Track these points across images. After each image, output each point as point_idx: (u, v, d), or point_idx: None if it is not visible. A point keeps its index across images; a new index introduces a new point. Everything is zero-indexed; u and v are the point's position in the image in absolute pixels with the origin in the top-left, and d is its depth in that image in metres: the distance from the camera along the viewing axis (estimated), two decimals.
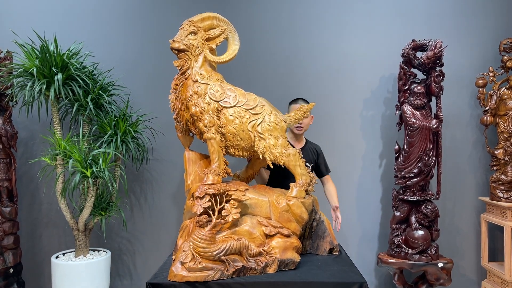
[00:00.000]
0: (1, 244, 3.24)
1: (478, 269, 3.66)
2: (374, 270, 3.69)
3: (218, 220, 2.25)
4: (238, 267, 2.19)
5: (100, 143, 3.15)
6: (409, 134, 3.21)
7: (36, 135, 3.57)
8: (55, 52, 3.09)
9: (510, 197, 3.37)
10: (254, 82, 3.60)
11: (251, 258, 2.25)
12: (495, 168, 3.48)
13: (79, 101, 3.14)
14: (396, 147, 3.34)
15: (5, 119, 3.32)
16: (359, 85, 3.65)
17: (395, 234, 3.29)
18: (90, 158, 2.98)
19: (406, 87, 3.29)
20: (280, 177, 2.89)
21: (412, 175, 3.20)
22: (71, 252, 3.35)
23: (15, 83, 3.09)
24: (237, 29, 2.66)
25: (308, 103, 2.93)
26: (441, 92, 3.22)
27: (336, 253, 2.60)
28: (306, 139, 3.16)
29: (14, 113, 3.43)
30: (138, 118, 3.38)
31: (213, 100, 2.46)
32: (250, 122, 2.48)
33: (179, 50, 2.50)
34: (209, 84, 2.49)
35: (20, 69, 3.09)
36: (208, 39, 2.58)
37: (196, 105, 2.46)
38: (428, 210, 3.19)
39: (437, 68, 3.20)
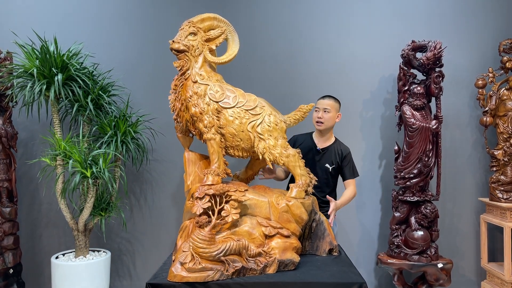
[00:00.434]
0: (1, 245, 3.24)
1: (477, 269, 3.66)
2: (374, 271, 3.70)
3: (218, 221, 2.25)
4: (238, 268, 2.19)
5: (100, 144, 3.15)
6: (409, 134, 3.21)
7: (36, 136, 3.57)
8: (55, 52, 3.09)
9: (509, 197, 3.38)
10: (253, 82, 3.60)
11: (250, 259, 2.26)
12: (494, 168, 3.48)
13: (79, 102, 3.14)
14: (396, 147, 3.35)
15: (5, 119, 3.32)
16: (359, 86, 3.65)
17: (395, 234, 3.29)
18: (90, 158, 2.98)
19: (406, 88, 3.30)
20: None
21: (411, 175, 3.20)
22: (71, 252, 3.35)
23: (15, 83, 3.09)
24: (237, 30, 2.66)
25: (336, 99, 2.97)
26: (441, 93, 3.22)
27: (336, 254, 2.60)
28: (336, 140, 3.05)
29: (14, 114, 3.43)
30: (138, 118, 3.38)
31: (213, 100, 2.47)
32: (250, 122, 2.48)
33: (179, 51, 2.50)
34: (209, 85, 2.49)
35: (20, 70, 3.10)
36: (208, 40, 2.58)
37: (196, 106, 2.46)
38: (427, 210, 3.20)
39: (437, 69, 3.20)
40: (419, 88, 3.22)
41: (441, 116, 3.22)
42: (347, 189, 2.98)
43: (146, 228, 3.68)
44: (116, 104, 3.43)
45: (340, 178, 3.07)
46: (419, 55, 3.28)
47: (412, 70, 3.33)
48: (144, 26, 3.65)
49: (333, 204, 2.72)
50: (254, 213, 2.44)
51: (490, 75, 3.51)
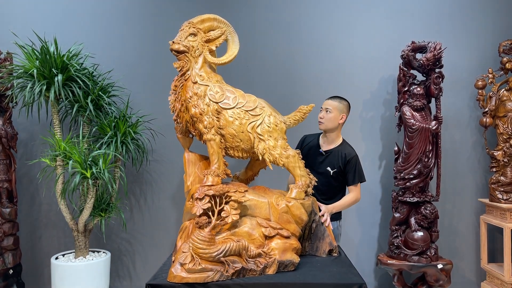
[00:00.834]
0: (0, 245, 3.24)
1: (477, 270, 3.66)
2: (374, 272, 3.70)
3: (218, 221, 2.25)
4: (238, 268, 2.19)
5: (100, 144, 3.16)
6: (409, 135, 3.22)
7: (36, 136, 3.57)
8: (55, 53, 3.09)
9: (509, 198, 3.38)
10: (253, 83, 3.60)
11: (250, 259, 2.25)
12: (494, 169, 3.48)
13: (79, 102, 3.14)
14: (396, 148, 3.35)
15: (5, 120, 3.32)
16: (359, 87, 3.65)
17: (395, 235, 3.29)
18: (90, 159, 2.99)
19: (406, 89, 3.30)
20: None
21: (411, 176, 3.20)
22: (71, 253, 3.36)
23: (15, 84, 3.10)
24: (237, 31, 2.66)
25: (342, 99, 2.96)
26: (441, 94, 3.23)
27: (336, 254, 2.60)
28: (343, 142, 2.97)
29: (14, 114, 3.43)
30: (138, 119, 3.38)
31: (213, 101, 2.47)
32: (250, 123, 2.48)
33: (179, 52, 2.50)
34: (208, 86, 2.49)
35: (20, 70, 3.10)
36: (208, 41, 2.58)
37: (195, 107, 2.46)
38: (427, 211, 3.20)
39: (437, 70, 3.20)
40: (419, 89, 3.22)
41: (441, 117, 3.22)
42: (348, 194, 2.94)
43: (146, 229, 3.68)
44: (116, 105, 3.44)
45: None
46: (419, 56, 3.28)
47: (412, 71, 3.33)
48: (144, 27, 3.65)
49: (323, 208, 2.70)
50: (254, 213, 2.44)
51: (490, 76, 3.51)
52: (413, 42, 3.28)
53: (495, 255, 3.63)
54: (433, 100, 3.29)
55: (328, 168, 2.92)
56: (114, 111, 3.29)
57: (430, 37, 3.37)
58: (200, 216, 2.26)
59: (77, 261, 3.15)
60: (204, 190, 2.34)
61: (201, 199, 2.31)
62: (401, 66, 3.31)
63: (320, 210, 2.67)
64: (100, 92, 3.20)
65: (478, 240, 3.64)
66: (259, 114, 2.50)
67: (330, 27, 3.67)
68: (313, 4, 3.66)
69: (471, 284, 3.68)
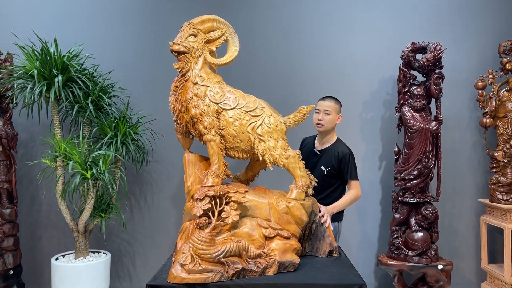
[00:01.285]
0: (1, 246, 3.24)
1: (477, 271, 3.66)
2: (374, 272, 3.69)
3: (218, 222, 2.25)
4: (238, 269, 2.19)
5: (100, 145, 3.16)
6: (409, 136, 3.22)
7: (36, 137, 3.58)
8: (56, 54, 3.09)
9: (509, 199, 3.38)
10: (254, 84, 3.60)
11: (250, 260, 2.25)
12: (494, 170, 3.48)
13: (79, 103, 3.15)
14: (396, 149, 3.35)
15: (5, 120, 3.32)
16: (359, 87, 3.66)
17: (395, 236, 3.29)
18: (90, 160, 2.99)
19: (406, 89, 3.30)
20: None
21: (411, 177, 3.20)
22: (71, 253, 3.36)
23: (15, 84, 3.10)
24: (237, 32, 2.66)
25: (337, 100, 2.96)
26: (441, 94, 3.23)
27: (336, 255, 2.59)
28: (337, 141, 2.98)
29: (14, 115, 3.43)
30: (138, 120, 3.38)
31: (213, 102, 2.47)
32: (250, 124, 2.48)
33: (179, 52, 2.50)
34: (209, 86, 2.49)
35: (20, 71, 3.10)
36: (208, 41, 2.58)
37: (196, 107, 2.46)
38: (427, 212, 3.20)
39: (437, 70, 3.20)
40: (419, 89, 3.22)
41: (441, 117, 3.22)
42: (347, 192, 2.94)
43: (146, 230, 3.68)
44: (116, 106, 3.44)
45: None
46: (419, 56, 3.29)
47: (412, 72, 3.33)
48: (144, 28, 3.65)
49: (323, 208, 2.70)
50: (254, 214, 2.44)
51: (490, 76, 3.51)
52: (413, 43, 3.28)
53: (496, 256, 3.63)
54: (433, 100, 3.29)
55: (322, 167, 2.93)
56: (114, 112, 3.29)
57: (430, 37, 3.37)
58: (200, 216, 2.26)
59: (77, 262, 3.15)
60: (204, 190, 2.34)
61: (201, 200, 2.31)
62: (401, 67, 3.31)
63: (320, 211, 2.67)
64: (100, 93, 3.20)
65: (478, 241, 3.63)
66: (259, 115, 2.50)
67: (330, 27, 3.67)
68: (313, 5, 3.67)
69: (471, 284, 3.68)
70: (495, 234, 3.65)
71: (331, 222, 2.71)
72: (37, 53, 3.09)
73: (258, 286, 2.16)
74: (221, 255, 2.17)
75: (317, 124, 2.92)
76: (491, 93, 3.51)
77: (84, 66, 3.30)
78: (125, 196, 3.55)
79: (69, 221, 3.20)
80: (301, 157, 2.65)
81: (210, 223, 2.24)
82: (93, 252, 3.38)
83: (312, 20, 3.67)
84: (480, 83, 3.49)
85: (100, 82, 3.31)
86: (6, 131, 3.29)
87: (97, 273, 3.16)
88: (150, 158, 3.62)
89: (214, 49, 2.61)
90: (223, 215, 2.28)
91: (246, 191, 2.43)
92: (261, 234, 2.36)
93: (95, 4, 3.64)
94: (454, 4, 3.65)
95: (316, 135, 3.09)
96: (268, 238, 2.36)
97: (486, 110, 3.48)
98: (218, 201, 2.32)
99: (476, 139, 3.67)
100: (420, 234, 3.18)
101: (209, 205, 2.29)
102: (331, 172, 2.92)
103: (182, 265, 2.14)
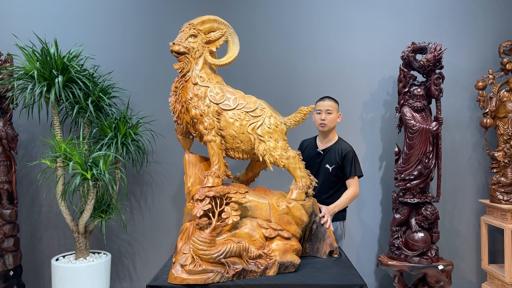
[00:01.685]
0: (1, 247, 3.24)
1: (478, 271, 3.66)
2: (374, 273, 3.69)
3: (218, 223, 2.25)
4: (238, 270, 2.19)
5: (101, 146, 3.16)
6: (409, 136, 3.22)
7: (37, 138, 3.58)
8: (56, 54, 3.09)
9: (510, 199, 3.37)
10: (254, 84, 3.60)
11: (251, 261, 2.25)
12: (495, 170, 3.48)
13: (79, 104, 3.15)
14: (396, 149, 3.35)
15: (5, 121, 3.32)
16: (359, 88, 3.66)
17: (395, 236, 3.29)
18: (90, 160, 2.99)
19: (406, 90, 3.30)
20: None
21: (412, 177, 3.20)
22: (71, 254, 3.35)
23: (15, 85, 3.10)
24: (237, 32, 2.67)
25: (335, 99, 3.00)
26: (441, 95, 3.23)
27: (336, 256, 2.59)
28: (339, 139, 3.05)
29: (14, 116, 3.43)
30: (138, 120, 3.38)
31: (213, 102, 2.47)
32: (250, 124, 2.48)
33: (179, 53, 2.50)
34: (209, 87, 2.49)
35: (20, 72, 3.10)
36: (208, 42, 2.58)
37: (196, 108, 2.46)
38: (428, 212, 3.20)
39: (437, 71, 3.20)
40: (419, 89, 3.22)
41: (441, 117, 3.22)
42: (347, 190, 2.96)
43: (146, 230, 3.68)
44: (117, 106, 3.44)
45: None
46: (419, 56, 3.28)
47: (412, 72, 3.33)
48: (144, 28, 3.65)
49: (324, 209, 2.71)
50: (255, 215, 2.44)
51: (490, 76, 3.51)
52: (413, 43, 3.28)
53: (496, 256, 3.63)
54: (433, 101, 3.29)
55: (327, 165, 2.96)
56: (114, 112, 3.29)
57: (430, 38, 3.37)
58: (200, 217, 2.27)
59: (78, 263, 3.15)
60: (205, 191, 2.34)
61: (201, 200, 2.31)
62: (401, 67, 3.31)
63: (320, 211, 2.67)
64: (100, 94, 3.20)
65: (478, 241, 3.63)
66: (260, 115, 2.50)
67: (330, 28, 3.67)
68: (313, 5, 3.67)
69: (471, 285, 3.67)
70: (496, 234, 3.64)
71: (332, 222, 2.71)
72: (37, 54, 3.09)
73: (258, 286, 2.16)
74: (222, 256, 2.17)
75: (321, 124, 2.96)
76: (491, 94, 3.51)
77: (84, 67, 3.30)
78: (125, 197, 3.55)
79: (69, 221, 3.20)
80: (301, 157, 2.65)
81: (210, 223, 2.24)
82: (94, 253, 3.38)
83: (312, 21, 3.67)
84: (480, 84, 3.49)
85: (100, 82, 3.31)
86: (6, 132, 3.29)
87: (97, 273, 3.16)
88: (150, 158, 3.62)
89: (214, 49, 2.61)
90: (223, 215, 2.28)
91: (247, 192, 2.44)
92: (261, 234, 2.36)
93: (95, 5, 3.64)
94: (454, 4, 3.65)
95: (315, 136, 3.11)
96: (268, 239, 2.36)
97: (486, 110, 3.48)
98: (218, 202, 2.32)
99: (477, 140, 3.67)
100: (421, 234, 3.18)
101: (210, 206, 2.29)
102: (336, 169, 2.96)
103: (182, 266, 2.14)
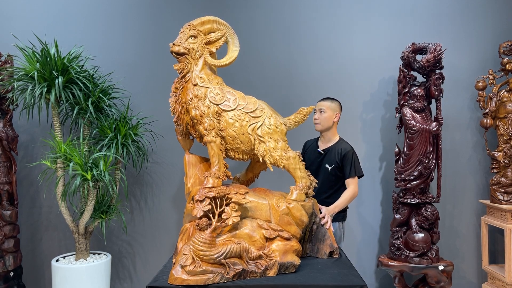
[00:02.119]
0: (1, 248, 3.24)
1: (478, 271, 3.66)
2: (375, 273, 3.69)
3: (218, 223, 2.25)
4: (238, 270, 2.19)
5: (101, 146, 3.16)
6: (409, 136, 3.22)
7: (37, 139, 3.58)
8: (56, 55, 3.09)
9: (510, 199, 3.37)
10: (254, 85, 3.60)
11: (251, 261, 2.25)
12: (495, 170, 3.48)
13: (79, 105, 3.15)
14: (396, 149, 3.35)
15: (5, 122, 3.32)
16: (359, 88, 3.66)
17: (396, 237, 3.29)
18: (90, 161, 2.99)
19: (406, 90, 3.30)
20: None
21: (412, 177, 3.20)
22: (72, 255, 3.35)
23: (15, 86, 3.10)
24: (237, 32, 2.67)
25: (332, 99, 3.02)
26: (441, 95, 3.23)
27: (336, 256, 2.59)
28: (339, 140, 3.05)
29: (14, 117, 3.44)
30: (139, 121, 3.38)
31: (213, 103, 2.47)
32: (250, 125, 2.48)
33: (179, 54, 2.51)
34: (209, 88, 2.49)
35: (20, 73, 3.10)
36: (208, 43, 2.58)
37: (196, 108, 2.46)
38: (428, 212, 3.19)
39: (437, 71, 3.20)
40: (419, 90, 3.22)
41: (441, 118, 3.22)
42: (346, 190, 2.96)
43: (147, 231, 3.68)
44: (117, 107, 3.44)
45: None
46: (419, 57, 3.28)
47: (412, 72, 3.33)
48: (144, 29, 3.66)
49: (324, 209, 2.71)
50: (255, 215, 2.44)
51: (490, 77, 3.51)
52: (413, 44, 3.28)
53: (496, 257, 3.62)
54: (433, 101, 3.29)
55: (327, 165, 2.97)
56: (114, 113, 3.29)
57: (430, 38, 3.37)
58: (200, 218, 2.27)
59: (78, 263, 3.15)
60: (205, 192, 2.34)
61: (201, 201, 2.31)
62: (401, 68, 3.31)
63: (320, 212, 2.67)
64: (100, 94, 3.20)
65: (479, 241, 3.63)
66: (260, 116, 2.50)
67: (330, 28, 3.67)
68: (313, 6, 3.67)
69: (472, 285, 3.67)
70: (496, 234, 3.64)
71: (332, 223, 2.71)
72: (37, 55, 3.09)
73: (258, 287, 2.15)
74: (222, 256, 2.17)
75: (314, 123, 3.01)
76: (491, 94, 3.51)
77: (84, 68, 3.30)
78: (125, 198, 3.55)
79: (69, 222, 3.20)
80: (302, 158, 2.66)
81: (210, 224, 2.24)
82: (94, 254, 3.38)
83: (312, 21, 3.67)
84: (480, 84, 3.49)
85: (100, 83, 3.31)
86: (6, 133, 3.29)
87: (97, 274, 3.16)
88: (150, 159, 3.63)
89: (214, 50, 2.61)
90: (223, 216, 2.28)
91: (247, 192, 2.44)
92: (261, 235, 2.36)
93: (95, 6, 3.64)
94: (454, 4, 3.65)
95: (318, 137, 3.12)
96: (268, 239, 2.36)
97: (487, 110, 3.48)
98: (218, 203, 2.32)
99: (477, 140, 3.67)
100: (421, 235, 3.18)
101: (210, 207, 2.29)
102: (335, 169, 2.97)
103: (182, 267, 2.14)
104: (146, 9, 3.67)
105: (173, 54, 2.52)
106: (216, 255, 2.16)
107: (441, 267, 3.15)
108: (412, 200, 3.22)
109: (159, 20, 3.65)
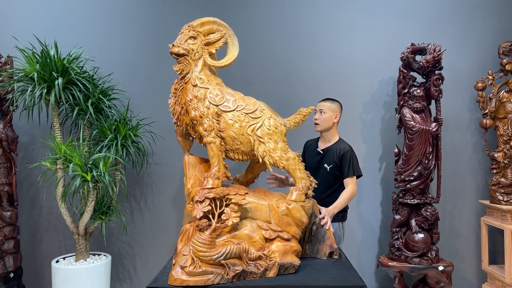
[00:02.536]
0: (1, 249, 3.24)
1: (478, 272, 3.66)
2: (375, 274, 3.69)
3: (218, 224, 2.25)
4: (238, 271, 2.19)
5: (101, 147, 3.16)
6: (409, 137, 3.22)
7: (37, 140, 3.58)
8: (56, 56, 3.10)
9: (510, 200, 3.37)
10: (253, 86, 3.60)
11: (251, 262, 2.25)
12: (495, 171, 3.48)
13: (79, 106, 3.15)
14: (396, 150, 3.35)
15: (5, 123, 3.33)
16: (359, 89, 3.66)
17: (395, 237, 3.29)
18: (90, 162, 2.99)
19: (406, 91, 3.30)
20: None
21: (412, 178, 3.20)
22: (72, 256, 3.35)
23: (15, 87, 3.10)
24: (237, 33, 2.67)
25: (333, 100, 3.03)
26: (441, 96, 3.23)
27: (336, 257, 2.59)
28: (339, 140, 3.04)
29: (14, 118, 3.44)
30: (138, 122, 3.39)
31: (213, 104, 2.47)
32: (250, 126, 2.49)
33: (179, 55, 2.51)
34: (208, 89, 2.50)
35: (20, 74, 3.10)
36: (208, 44, 2.59)
37: (195, 109, 2.46)
38: (428, 213, 3.20)
39: (436, 72, 3.21)
40: (418, 90, 3.22)
41: (441, 118, 3.22)
42: (344, 190, 2.95)
43: (147, 232, 3.68)
44: (116, 108, 3.44)
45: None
46: (418, 57, 3.29)
47: (411, 73, 3.33)
48: (144, 30, 3.66)
49: (324, 210, 2.71)
50: (254, 216, 2.44)
51: (490, 77, 3.51)
52: (412, 44, 3.28)
53: (496, 257, 3.62)
54: (433, 102, 3.29)
55: (325, 165, 2.97)
56: (114, 114, 3.30)
57: (430, 39, 3.37)
58: (200, 219, 2.27)
59: (78, 264, 3.15)
60: (205, 193, 2.34)
61: (201, 202, 2.31)
62: (401, 68, 3.31)
63: (320, 213, 2.67)
64: (100, 95, 3.21)
65: (479, 242, 3.63)
66: (259, 117, 2.50)
67: (330, 29, 3.67)
68: (313, 6, 3.67)
69: (472, 286, 3.67)
70: (496, 235, 3.64)
71: (332, 223, 2.71)
72: (37, 56, 3.10)
73: None
74: (221, 257, 2.17)
75: (314, 123, 3.01)
76: (491, 94, 3.51)
77: (84, 69, 3.31)
78: (125, 198, 3.55)
79: (69, 223, 3.20)
80: (301, 159, 2.66)
81: (210, 225, 2.24)
82: (94, 255, 3.38)
83: (312, 22, 3.67)
84: (480, 84, 3.49)
85: (100, 84, 3.31)
86: (6, 134, 3.29)
87: (97, 275, 3.16)
88: (150, 160, 3.63)
89: (213, 51, 2.61)
90: (223, 217, 2.28)
91: (246, 193, 2.44)
92: (261, 236, 2.36)
93: (95, 7, 3.64)
94: (454, 5, 3.66)
95: (319, 137, 3.12)
96: (268, 240, 2.36)
97: (486, 111, 3.48)
98: (218, 203, 2.32)
99: (476, 140, 3.67)
100: (421, 235, 3.18)
101: (209, 207, 2.29)
102: (334, 169, 2.97)
103: (182, 267, 2.14)
104: (146, 10, 3.67)
105: (173, 55, 2.52)
106: (216, 256, 2.16)
107: (441, 268, 3.15)
108: (412, 200, 3.22)
109: (159, 21, 3.65)
